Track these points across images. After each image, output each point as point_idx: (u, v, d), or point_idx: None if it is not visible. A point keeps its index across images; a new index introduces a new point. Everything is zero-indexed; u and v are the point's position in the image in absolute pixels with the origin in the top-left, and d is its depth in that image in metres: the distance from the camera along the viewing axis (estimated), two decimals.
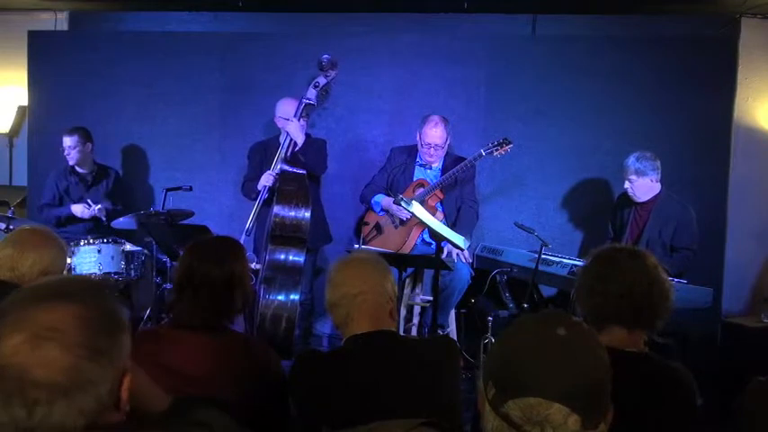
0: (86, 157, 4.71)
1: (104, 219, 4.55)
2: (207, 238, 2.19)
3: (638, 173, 3.95)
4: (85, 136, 4.67)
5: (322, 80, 4.10)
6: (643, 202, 4.04)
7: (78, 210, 4.55)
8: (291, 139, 4.10)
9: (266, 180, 4.09)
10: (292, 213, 3.81)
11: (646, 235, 3.99)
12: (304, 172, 3.99)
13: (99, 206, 4.54)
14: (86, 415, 1.00)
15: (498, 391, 1.05)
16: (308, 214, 3.82)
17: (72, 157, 4.64)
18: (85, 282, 1.15)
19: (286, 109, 4.22)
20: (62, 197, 4.70)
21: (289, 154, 4.08)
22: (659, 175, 3.98)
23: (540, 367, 1.03)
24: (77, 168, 4.70)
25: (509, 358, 1.07)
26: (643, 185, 3.98)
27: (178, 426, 1.12)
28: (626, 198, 4.11)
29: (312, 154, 4.12)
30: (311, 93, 4.11)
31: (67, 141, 4.62)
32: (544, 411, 1.00)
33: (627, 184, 4.01)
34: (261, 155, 4.33)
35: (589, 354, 1.07)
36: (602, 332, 1.71)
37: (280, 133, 4.29)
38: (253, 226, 4.10)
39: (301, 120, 4.13)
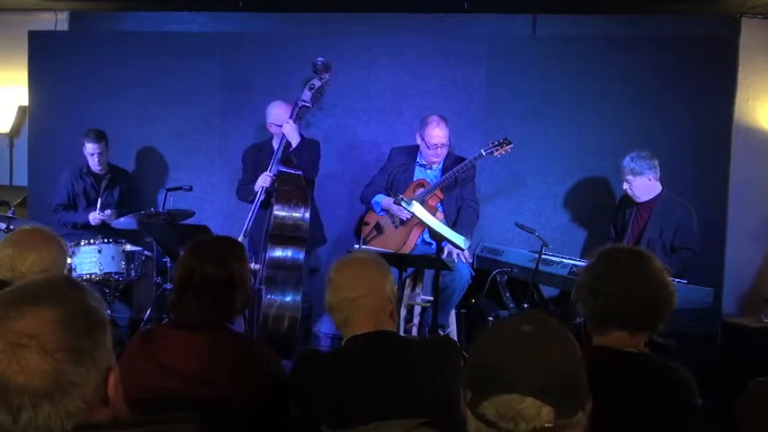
0: (105, 160, 4.70)
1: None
2: (207, 239, 2.19)
3: (634, 173, 3.94)
4: (107, 140, 4.63)
5: (317, 82, 4.14)
6: (644, 203, 4.03)
7: (95, 218, 4.50)
8: (286, 140, 4.11)
9: (263, 181, 4.09)
10: (292, 213, 3.83)
11: (647, 235, 3.98)
12: (301, 173, 4.00)
13: (109, 212, 4.52)
14: (74, 416, 1.00)
15: (473, 393, 1.06)
16: (307, 214, 3.83)
17: (96, 162, 4.60)
18: (60, 283, 1.11)
19: (278, 113, 4.22)
20: (76, 198, 4.66)
21: (284, 155, 4.09)
22: (658, 174, 3.97)
23: (508, 365, 1.04)
24: (93, 169, 4.67)
25: (479, 360, 1.10)
26: (641, 185, 3.97)
27: (168, 421, 1.11)
28: (627, 198, 4.10)
29: (305, 155, 4.13)
30: (306, 95, 4.14)
31: (92, 147, 4.56)
32: (517, 407, 1.02)
33: (625, 185, 4.01)
34: (255, 157, 4.34)
35: (556, 347, 1.08)
36: (604, 334, 1.71)
37: (273, 135, 4.30)
38: (250, 227, 4.09)
39: (295, 121, 4.14)
